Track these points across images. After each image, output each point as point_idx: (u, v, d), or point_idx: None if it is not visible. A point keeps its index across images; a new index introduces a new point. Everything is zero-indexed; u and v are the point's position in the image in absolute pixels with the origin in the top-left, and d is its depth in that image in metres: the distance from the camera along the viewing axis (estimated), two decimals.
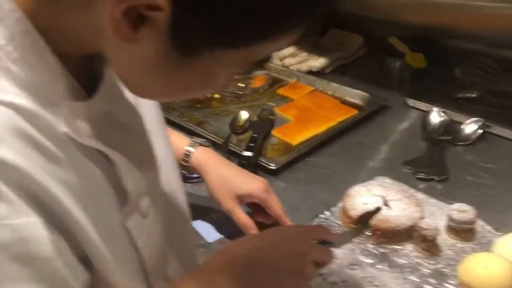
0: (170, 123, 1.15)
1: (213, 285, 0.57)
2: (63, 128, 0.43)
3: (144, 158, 0.56)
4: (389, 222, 0.78)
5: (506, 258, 0.69)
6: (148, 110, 0.63)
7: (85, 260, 0.47)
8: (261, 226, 0.79)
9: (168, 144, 0.70)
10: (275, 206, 0.80)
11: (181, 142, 0.85)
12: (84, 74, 0.49)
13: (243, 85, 0.51)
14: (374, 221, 0.79)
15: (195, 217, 0.88)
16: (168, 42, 0.40)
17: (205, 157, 0.84)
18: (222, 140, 1.06)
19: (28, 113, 0.40)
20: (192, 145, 0.84)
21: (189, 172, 0.87)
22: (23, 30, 0.41)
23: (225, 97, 1.28)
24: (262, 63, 0.47)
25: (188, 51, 0.41)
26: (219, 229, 0.86)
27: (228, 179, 0.81)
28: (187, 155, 0.83)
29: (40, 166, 0.40)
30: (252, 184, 0.81)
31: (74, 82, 0.46)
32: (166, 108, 1.23)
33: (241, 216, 0.78)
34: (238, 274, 0.57)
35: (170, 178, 0.68)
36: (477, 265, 0.68)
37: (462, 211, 0.77)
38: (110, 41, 0.42)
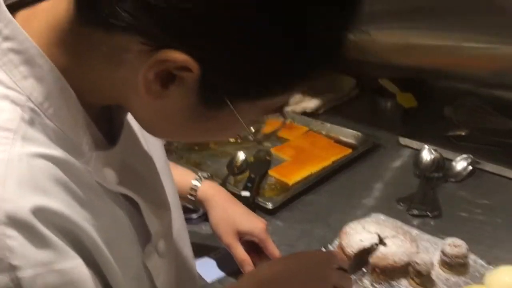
0: None
1: None
2: (93, 176, 0.46)
3: (159, 202, 0.59)
4: (387, 259, 0.80)
5: None
6: (157, 154, 0.66)
7: None
8: None
9: (173, 184, 0.73)
10: (272, 246, 0.82)
11: (187, 176, 0.88)
12: (105, 123, 0.52)
13: (255, 130, 0.53)
14: (372, 258, 0.81)
15: (201, 255, 0.90)
16: (195, 97, 0.43)
17: (211, 191, 0.87)
18: (220, 181, 1.09)
19: (64, 164, 0.43)
20: (198, 180, 0.87)
21: (194, 206, 0.89)
22: (59, 88, 0.43)
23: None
24: (278, 110, 0.50)
25: (213, 105, 0.44)
26: (218, 267, 0.87)
27: (231, 215, 0.84)
28: (194, 189, 0.86)
29: (77, 212, 0.43)
30: (254, 223, 0.84)
31: (97, 132, 0.49)
32: (165, 151, 1.26)
33: (240, 252, 0.81)
34: None
35: (176, 216, 0.71)
36: None
37: (455, 245, 0.80)
38: (138, 96, 0.44)
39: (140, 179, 0.55)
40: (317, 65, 0.45)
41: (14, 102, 0.41)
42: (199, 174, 0.89)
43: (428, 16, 1.34)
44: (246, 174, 1.12)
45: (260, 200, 1.02)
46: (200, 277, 0.86)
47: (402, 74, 1.42)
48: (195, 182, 0.87)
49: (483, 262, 0.82)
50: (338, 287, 0.65)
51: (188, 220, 0.97)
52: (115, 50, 0.41)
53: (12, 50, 0.42)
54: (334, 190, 1.08)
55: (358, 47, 1.48)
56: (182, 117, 0.45)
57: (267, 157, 1.20)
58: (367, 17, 1.65)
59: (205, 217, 0.99)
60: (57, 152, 0.42)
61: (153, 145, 0.64)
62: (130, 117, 0.55)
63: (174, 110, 0.45)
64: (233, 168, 1.16)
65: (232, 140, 1.31)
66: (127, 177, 0.51)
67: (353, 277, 0.81)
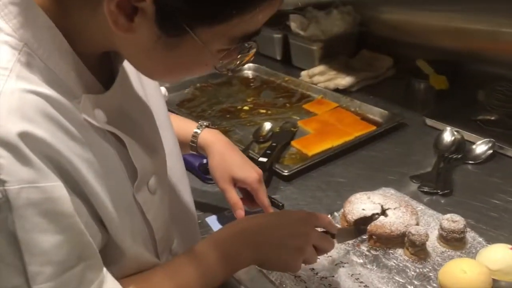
0: None
1: (222, 251, 0.65)
2: (82, 115, 0.54)
3: (151, 144, 0.65)
4: (384, 228, 0.84)
5: (485, 265, 0.73)
6: (157, 107, 0.73)
7: (102, 224, 0.56)
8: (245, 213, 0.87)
9: (174, 136, 0.79)
10: (263, 196, 0.87)
11: (189, 125, 0.94)
12: (103, 71, 0.59)
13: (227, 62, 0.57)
14: (370, 226, 0.85)
15: (209, 213, 0.98)
16: (156, 27, 0.49)
17: (212, 138, 0.92)
18: (244, 147, 1.15)
19: (54, 101, 0.50)
20: (199, 127, 0.93)
21: (197, 152, 0.94)
22: (52, 35, 0.51)
23: (254, 109, 1.38)
24: (245, 39, 0.54)
25: (173, 33, 0.49)
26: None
27: (228, 162, 0.88)
28: (195, 136, 0.92)
29: (64, 143, 0.50)
30: (248, 172, 0.88)
31: (92, 78, 0.56)
32: (198, 117, 1.35)
33: (233, 196, 0.86)
34: (245, 244, 0.66)
35: (175, 166, 0.78)
36: (456, 269, 0.72)
37: (452, 220, 0.82)
38: (117, 36, 0.51)
39: (132, 122, 0.62)
40: None
41: (12, 46, 0.49)
42: (200, 122, 0.95)
43: (467, 0, 1.32)
44: (270, 143, 1.17)
45: (277, 167, 1.07)
46: (212, 230, 0.94)
47: (439, 56, 1.42)
48: (196, 130, 0.92)
49: (481, 240, 0.83)
50: (317, 247, 0.69)
51: (208, 180, 1.05)
52: None
53: (11, 3, 0.50)
54: (352, 163, 1.12)
55: (398, 28, 1.53)
56: (154, 50, 0.51)
57: (292, 129, 1.25)
58: None
59: None
60: (48, 91, 0.50)
61: (153, 97, 0.71)
62: (130, 70, 0.62)
63: (146, 44, 0.51)
64: (258, 137, 1.22)
65: (262, 111, 1.37)
66: (118, 119, 0.58)
67: (351, 242, 0.85)
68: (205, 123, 0.95)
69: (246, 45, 0.55)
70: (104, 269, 0.55)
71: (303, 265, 0.77)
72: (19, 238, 0.47)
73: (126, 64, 0.61)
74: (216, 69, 0.55)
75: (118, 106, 0.60)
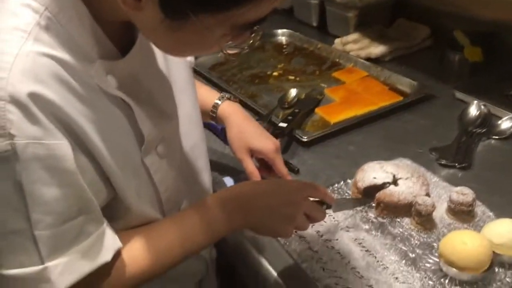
0: (228, 93, 1.29)
1: (209, 216, 0.69)
2: (94, 79, 0.57)
3: (163, 111, 0.69)
4: (392, 196, 0.85)
5: (488, 238, 0.73)
6: (179, 74, 0.76)
7: (108, 182, 0.60)
8: None
9: (195, 103, 0.83)
10: (281, 165, 0.90)
11: (212, 95, 0.97)
12: (124, 39, 0.62)
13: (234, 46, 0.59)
14: (379, 194, 0.86)
15: (226, 174, 1.01)
16: (160, 10, 0.51)
17: (230, 110, 0.95)
18: (267, 111, 1.17)
19: (68, 65, 0.54)
20: (220, 99, 0.96)
21: (216, 122, 0.98)
22: (73, 2, 0.54)
23: (283, 75, 1.39)
24: (251, 26, 0.55)
25: (176, 16, 0.52)
26: None
27: (245, 133, 0.91)
28: (215, 107, 0.95)
29: (73, 105, 0.54)
30: (264, 142, 0.91)
31: (110, 45, 0.59)
32: (227, 81, 1.37)
33: (249, 166, 0.89)
34: (233, 210, 0.69)
35: (193, 132, 0.81)
36: (457, 240, 0.73)
37: (462, 193, 0.82)
38: (131, 15, 0.54)
39: (144, 89, 0.65)
40: None
41: (34, 10, 0.52)
42: (222, 93, 0.97)
43: None
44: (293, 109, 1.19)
45: (297, 133, 1.09)
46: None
47: (477, 27, 1.37)
48: (217, 101, 0.95)
49: (491, 214, 0.83)
50: (308, 215, 0.71)
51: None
52: None
53: None
54: (374, 132, 1.12)
55: None
56: (160, 30, 0.54)
57: (318, 96, 1.26)
58: None
59: None
60: (63, 55, 0.53)
61: (175, 63, 0.74)
62: None
63: (152, 23, 0.53)
64: (283, 102, 1.23)
65: (291, 77, 1.38)
66: (130, 85, 0.61)
67: (359, 208, 0.87)
68: (226, 95, 0.97)
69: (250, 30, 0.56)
70: (105, 223, 0.60)
71: (309, 226, 0.81)
72: (24, 187, 0.51)
73: None
74: (222, 52, 0.57)
75: (132, 73, 0.63)
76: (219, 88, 1.33)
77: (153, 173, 0.67)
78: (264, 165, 0.92)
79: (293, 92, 1.26)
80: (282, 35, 1.64)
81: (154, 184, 0.68)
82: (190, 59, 0.88)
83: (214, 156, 1.05)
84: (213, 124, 1.09)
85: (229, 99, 0.97)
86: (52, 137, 0.52)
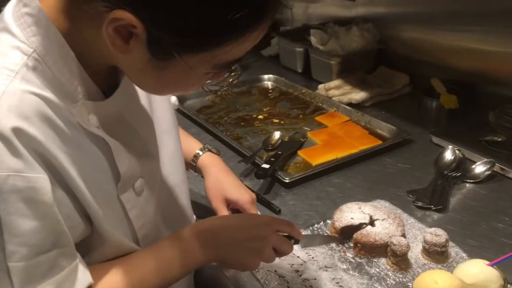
0: (213, 135, 1.33)
1: (184, 248, 0.71)
2: (76, 118, 0.60)
3: (144, 150, 0.72)
4: (368, 237, 0.88)
5: (460, 278, 0.76)
6: (163, 116, 0.80)
7: (86, 217, 0.63)
8: None
9: (178, 144, 0.86)
10: None
11: (194, 145, 1.00)
12: (109, 81, 0.66)
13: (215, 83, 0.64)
14: (356, 234, 0.89)
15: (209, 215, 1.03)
16: (147, 51, 0.55)
17: (210, 161, 0.98)
18: (251, 153, 1.21)
19: (52, 103, 0.57)
20: (202, 150, 1.00)
21: (195, 172, 1.01)
22: (60, 46, 0.58)
23: (268, 118, 1.44)
24: (230, 65, 0.60)
25: (162, 57, 0.56)
26: None
27: (223, 183, 0.94)
28: (196, 156, 0.98)
29: (54, 141, 0.57)
30: (241, 194, 0.93)
31: (94, 86, 0.63)
32: (214, 123, 1.42)
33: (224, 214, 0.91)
34: (206, 243, 0.71)
35: (176, 171, 0.84)
36: (429, 279, 0.75)
37: (435, 234, 0.85)
38: (118, 57, 0.58)
39: (126, 128, 0.68)
40: (247, 22, 0.53)
41: (22, 52, 0.56)
42: (204, 145, 1.01)
43: (485, 21, 1.34)
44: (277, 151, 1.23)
45: (279, 174, 1.12)
46: None
47: (454, 76, 1.44)
48: (198, 151, 0.99)
49: (464, 255, 0.86)
50: (276, 249, 0.73)
51: None
52: (94, 14, 0.54)
53: (27, 14, 0.57)
54: (353, 175, 1.16)
55: (416, 46, 1.57)
56: (147, 70, 0.58)
57: (301, 139, 1.30)
58: (426, 18, 1.72)
59: None
60: (48, 94, 0.57)
61: (159, 105, 0.77)
62: None
63: (140, 64, 0.57)
64: (267, 144, 1.27)
65: (276, 120, 1.43)
66: (111, 124, 0.65)
67: (338, 248, 0.89)
68: (208, 147, 1.01)
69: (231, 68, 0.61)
70: (78, 258, 0.61)
71: (288, 266, 0.83)
72: (1, 218, 0.53)
73: None
74: (203, 89, 0.61)
75: (115, 113, 0.66)
76: (206, 130, 1.37)
77: (128, 209, 0.68)
78: None
79: (277, 134, 1.30)
80: (268, 80, 1.70)
81: (129, 221, 0.69)
82: (174, 101, 0.92)
83: (197, 197, 1.07)
84: None
85: (210, 150, 1.00)
86: (32, 170, 0.54)
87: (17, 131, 0.53)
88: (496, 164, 1.11)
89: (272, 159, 1.15)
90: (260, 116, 1.46)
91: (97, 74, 0.63)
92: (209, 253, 0.71)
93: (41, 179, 0.55)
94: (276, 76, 1.71)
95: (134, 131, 0.70)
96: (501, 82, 1.36)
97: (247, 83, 1.69)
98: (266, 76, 1.71)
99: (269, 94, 1.63)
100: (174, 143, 0.85)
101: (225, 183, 0.94)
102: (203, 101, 1.58)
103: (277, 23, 2.10)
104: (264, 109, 1.51)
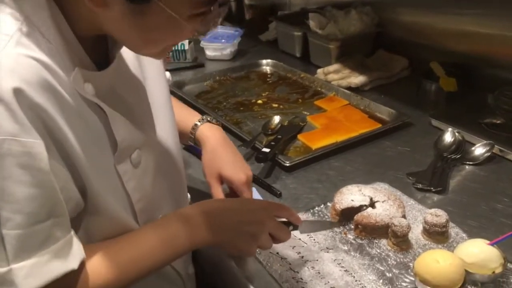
0: None
1: (169, 231, 0.70)
2: (73, 85, 0.59)
3: (140, 122, 0.71)
4: (369, 218, 0.88)
5: (460, 257, 0.77)
6: (156, 90, 0.79)
7: (81, 191, 0.61)
8: None
9: (173, 119, 0.84)
10: (248, 197, 0.89)
11: (193, 116, 0.97)
12: (99, 56, 0.65)
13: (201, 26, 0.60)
14: (357, 216, 0.89)
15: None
16: None
17: (208, 133, 0.94)
18: (251, 138, 1.21)
19: (50, 68, 0.56)
20: (200, 121, 0.96)
21: (195, 144, 0.97)
22: (52, 13, 0.57)
23: (267, 103, 1.44)
24: (208, 3, 0.57)
25: (138, 1, 0.54)
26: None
27: (219, 159, 0.91)
28: (194, 128, 0.95)
29: (53, 106, 0.56)
30: (236, 172, 0.90)
31: (86, 57, 0.62)
32: (213, 108, 1.41)
33: (216, 192, 0.89)
34: (197, 226, 0.71)
35: (169, 148, 0.83)
36: (430, 259, 0.76)
37: (436, 215, 0.86)
38: (100, 15, 0.57)
39: (121, 100, 0.67)
40: None
41: (15, 18, 0.56)
42: (204, 116, 0.98)
43: (483, 4, 1.34)
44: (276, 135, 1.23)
45: (280, 158, 1.12)
46: None
47: (452, 59, 1.44)
48: (197, 122, 0.96)
49: (464, 235, 0.87)
50: (273, 235, 0.73)
51: None
52: None
53: None
54: (353, 159, 1.16)
55: (414, 30, 1.55)
56: (128, 18, 0.56)
57: (300, 123, 1.30)
58: (424, 1, 1.71)
59: None
60: (45, 58, 0.56)
61: (152, 81, 0.76)
62: (131, 56, 0.68)
63: (120, 13, 0.56)
64: (267, 129, 1.27)
65: (275, 105, 1.43)
66: (107, 95, 0.64)
67: (339, 229, 0.90)
68: (208, 118, 0.98)
69: (216, 7, 0.57)
70: (72, 231, 0.60)
71: (290, 248, 0.83)
72: None
73: (126, 51, 0.67)
74: (193, 35, 0.58)
75: (109, 86, 0.66)
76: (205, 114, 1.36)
77: (125, 181, 0.67)
78: (234, 194, 0.92)
79: (276, 119, 1.30)
80: (266, 65, 1.70)
81: (127, 192, 0.68)
82: (168, 77, 0.90)
83: (195, 178, 1.07)
84: (195, 148, 1.11)
85: (209, 121, 0.98)
86: (29, 135, 0.53)
87: (18, 92, 0.52)
88: (495, 146, 1.12)
89: (272, 143, 1.15)
90: (259, 101, 1.46)
91: (87, 46, 0.62)
92: (202, 237, 0.71)
93: (37, 145, 0.54)
94: (274, 60, 1.70)
95: (128, 103, 0.69)
96: (500, 65, 1.36)
97: (245, 68, 1.69)
98: (264, 61, 1.71)
99: (268, 79, 1.63)
100: (169, 119, 0.83)
101: (221, 159, 0.90)
102: (202, 86, 1.58)
103: (274, 8, 2.09)
104: (263, 94, 1.51)
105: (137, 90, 0.74)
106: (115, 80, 0.67)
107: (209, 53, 1.79)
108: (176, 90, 1.51)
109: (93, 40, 0.64)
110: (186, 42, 1.71)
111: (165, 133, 0.80)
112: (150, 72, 0.78)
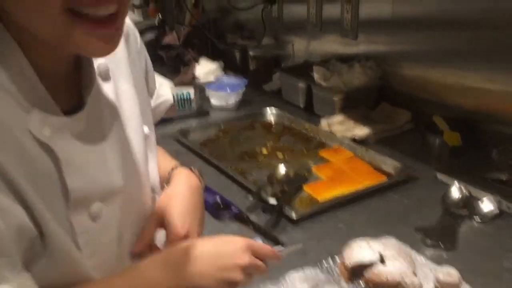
0: (218, 169, 1.33)
1: (141, 276, 0.64)
2: (29, 127, 0.55)
3: (107, 176, 0.64)
4: (381, 276, 0.87)
5: None
6: (133, 137, 0.71)
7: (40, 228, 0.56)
8: None
9: (146, 169, 0.75)
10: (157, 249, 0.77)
11: (171, 164, 0.86)
12: (69, 97, 0.61)
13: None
14: (368, 273, 0.88)
15: None
16: None
17: (180, 175, 0.82)
18: (257, 188, 1.20)
19: (6, 105, 0.52)
20: (176, 167, 0.84)
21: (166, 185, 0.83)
22: (12, 51, 0.53)
23: (272, 153, 1.44)
24: None
25: None
26: None
27: (169, 205, 0.77)
28: (170, 173, 0.83)
29: (4, 147, 0.52)
30: (175, 226, 0.74)
31: (48, 97, 0.57)
32: (218, 157, 1.41)
33: (147, 235, 0.75)
34: (173, 273, 0.64)
35: (145, 203, 0.75)
36: None
37: (448, 274, 0.84)
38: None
39: (88, 148, 0.61)
40: None
41: None
42: (182, 165, 0.86)
43: (487, 60, 1.37)
44: (282, 185, 1.22)
45: (286, 210, 1.11)
46: None
47: (455, 114, 1.46)
48: (173, 168, 0.84)
49: None
50: (250, 272, 0.67)
51: (221, 216, 1.10)
52: None
53: None
54: (360, 211, 1.15)
55: (417, 84, 1.56)
56: None
57: (306, 174, 1.30)
58: (426, 56, 1.75)
59: (236, 217, 1.11)
60: (2, 94, 0.52)
61: (133, 130, 0.70)
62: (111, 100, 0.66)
63: None
64: (272, 179, 1.27)
65: (280, 155, 1.43)
66: (68, 140, 0.59)
67: (348, 287, 0.88)
68: (189, 167, 0.86)
69: None
70: (27, 273, 0.55)
71: None
72: None
73: (108, 90, 0.64)
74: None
75: (75, 131, 0.60)
76: (210, 164, 1.36)
77: (78, 235, 0.61)
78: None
79: (282, 169, 1.30)
80: (270, 114, 1.71)
81: (78, 247, 0.61)
82: (146, 131, 0.77)
83: (206, 232, 1.05)
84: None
85: (190, 169, 0.85)
86: None
87: None
88: (503, 202, 1.12)
89: (279, 194, 1.14)
90: (264, 151, 1.46)
91: (54, 87, 0.58)
92: (175, 283, 0.64)
93: None
94: (278, 110, 1.72)
95: (96, 152, 0.63)
96: (503, 121, 1.37)
97: (250, 117, 1.70)
98: (268, 110, 1.72)
99: (272, 129, 1.64)
100: (146, 173, 0.74)
101: (171, 206, 0.76)
102: (207, 134, 1.59)
103: (278, 59, 2.13)
104: (268, 144, 1.51)
105: (110, 136, 0.66)
106: (84, 126, 0.61)
107: (214, 102, 1.81)
108: (181, 138, 1.51)
109: (65, 81, 0.60)
110: (191, 91, 1.73)
111: (139, 188, 0.72)
112: (128, 107, 0.71)
